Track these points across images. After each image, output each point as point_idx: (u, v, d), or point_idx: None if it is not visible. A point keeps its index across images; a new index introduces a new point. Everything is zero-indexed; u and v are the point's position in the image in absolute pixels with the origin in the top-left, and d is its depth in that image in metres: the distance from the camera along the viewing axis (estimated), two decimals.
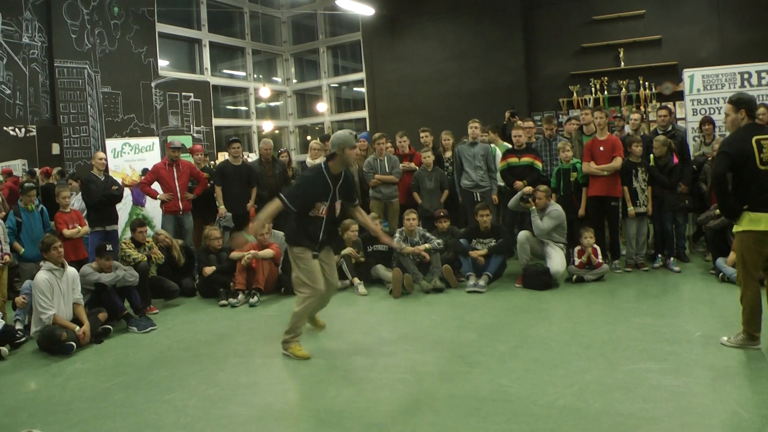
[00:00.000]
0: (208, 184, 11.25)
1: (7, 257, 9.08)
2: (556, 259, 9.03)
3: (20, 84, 13.19)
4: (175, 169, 10.89)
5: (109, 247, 8.64)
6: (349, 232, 10.11)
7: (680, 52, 14.38)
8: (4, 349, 7.48)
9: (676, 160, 9.61)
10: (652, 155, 9.60)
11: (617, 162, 9.41)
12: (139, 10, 15.34)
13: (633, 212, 9.40)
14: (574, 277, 9.10)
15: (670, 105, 12.57)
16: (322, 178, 6.55)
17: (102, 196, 10.27)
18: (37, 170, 12.30)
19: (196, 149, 12.38)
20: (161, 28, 16.10)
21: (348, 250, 9.88)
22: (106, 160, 10.86)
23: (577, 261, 9.16)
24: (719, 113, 11.30)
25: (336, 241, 7.29)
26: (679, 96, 13.70)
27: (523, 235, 9.42)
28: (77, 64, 14.03)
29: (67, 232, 9.45)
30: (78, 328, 7.58)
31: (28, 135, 13.00)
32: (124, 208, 12.77)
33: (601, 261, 9.17)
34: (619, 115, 14.00)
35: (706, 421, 4.48)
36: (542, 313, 7.81)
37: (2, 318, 7.80)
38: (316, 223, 6.61)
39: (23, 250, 9.32)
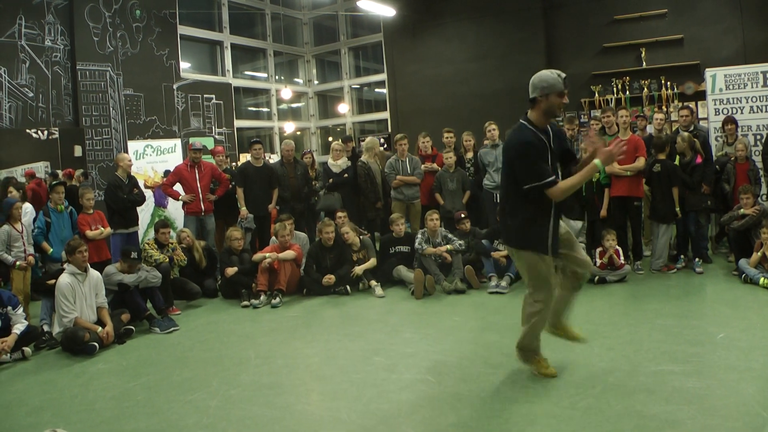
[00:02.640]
0: (230, 186, 11.30)
1: (30, 258, 9.18)
2: None
3: (43, 87, 13.28)
4: (197, 171, 10.99)
5: (134, 255, 8.73)
6: (396, 226, 10.19)
7: (702, 51, 14.26)
8: (28, 350, 7.59)
9: (699, 159, 9.54)
10: (678, 156, 9.56)
11: (640, 162, 9.35)
12: (161, 13, 15.40)
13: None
14: (596, 278, 9.06)
15: (692, 105, 12.51)
16: (534, 135, 5.17)
17: (126, 201, 10.37)
18: (60, 172, 12.39)
19: (217, 151, 12.45)
20: (183, 30, 16.15)
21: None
22: (132, 162, 10.96)
23: (598, 262, 9.12)
24: (742, 113, 11.24)
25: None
26: (701, 96, 13.59)
27: None
28: (99, 67, 14.12)
29: (90, 233, 9.53)
30: (101, 329, 7.66)
31: (50, 137, 13.10)
32: (146, 210, 12.90)
33: (623, 262, 9.13)
34: (641, 114, 13.93)
35: (729, 423, 4.45)
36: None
37: (26, 318, 7.86)
38: (546, 206, 5.22)
39: (51, 250, 9.40)
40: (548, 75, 5.20)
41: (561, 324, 5.88)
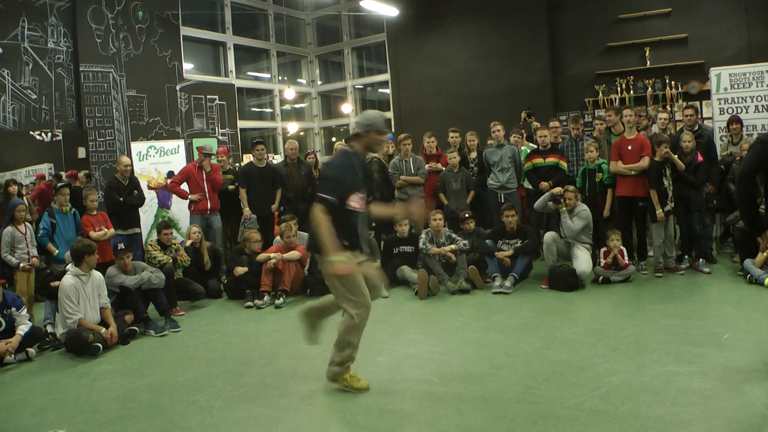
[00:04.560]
0: (234, 186, 11.33)
1: (34, 260, 9.20)
2: (583, 260, 8.98)
3: (46, 89, 13.30)
4: (204, 172, 11.03)
5: (121, 246, 8.81)
6: (401, 227, 10.18)
7: (707, 50, 14.22)
8: (32, 351, 7.60)
9: (700, 158, 9.48)
10: (676, 155, 9.50)
11: (645, 162, 9.31)
12: (164, 14, 15.41)
13: (662, 215, 9.17)
14: (601, 278, 9.06)
15: (696, 104, 12.49)
16: (352, 163, 5.56)
17: (123, 204, 10.40)
18: (63, 173, 12.41)
19: (220, 151, 12.46)
20: (186, 31, 16.16)
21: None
22: (130, 165, 10.98)
23: (603, 262, 9.11)
24: (747, 112, 11.20)
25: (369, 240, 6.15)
26: (705, 95, 13.59)
27: (549, 236, 9.37)
28: (102, 69, 14.13)
29: (93, 234, 9.53)
30: (104, 330, 7.68)
31: (54, 139, 13.12)
32: (149, 211, 12.93)
33: (627, 262, 9.10)
34: (644, 114, 13.91)
35: (734, 425, 4.43)
36: (568, 315, 7.77)
37: (30, 320, 7.88)
38: (350, 225, 5.55)
39: (57, 251, 9.41)
40: (372, 114, 5.69)
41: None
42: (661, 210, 9.14)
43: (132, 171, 11.31)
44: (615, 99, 15.04)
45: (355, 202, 5.51)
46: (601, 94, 15.29)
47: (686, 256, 9.61)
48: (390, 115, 18.82)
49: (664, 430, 4.40)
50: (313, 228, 5.43)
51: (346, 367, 5.68)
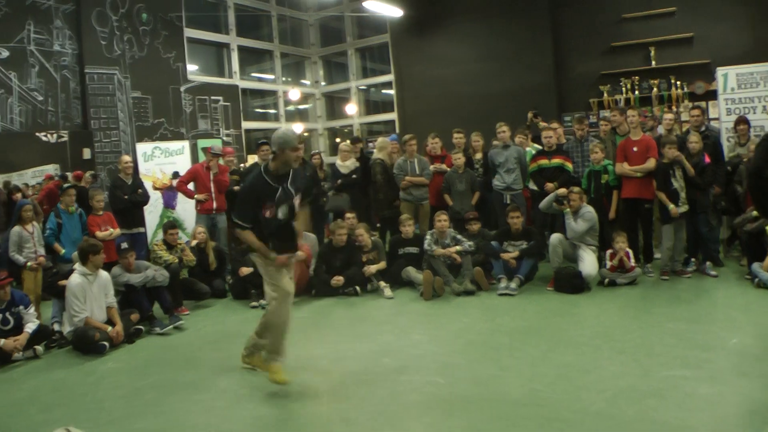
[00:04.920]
0: (236, 188, 11.35)
1: (41, 259, 9.22)
2: (588, 262, 8.94)
3: (52, 90, 13.33)
4: (211, 171, 11.06)
5: (124, 245, 8.88)
6: (406, 228, 10.18)
7: (712, 49, 14.14)
8: (40, 348, 7.71)
9: (707, 159, 9.42)
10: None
11: (651, 163, 9.26)
12: (167, 16, 15.43)
13: (676, 211, 9.02)
14: (606, 280, 9.02)
15: (702, 104, 12.43)
16: (260, 182, 6.08)
17: (127, 202, 10.43)
18: (69, 174, 12.44)
19: (227, 151, 12.44)
20: (189, 33, 16.17)
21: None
22: (132, 163, 11.04)
23: (609, 264, 9.08)
24: (754, 113, 11.16)
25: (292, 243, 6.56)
26: (711, 95, 13.54)
27: (555, 237, 9.34)
28: (107, 70, 14.16)
29: (99, 234, 9.54)
30: (110, 328, 7.75)
31: (59, 140, 13.15)
32: (154, 212, 12.94)
33: (633, 264, 9.06)
34: (650, 115, 13.86)
35: (741, 431, 4.41)
36: (574, 317, 7.76)
37: (37, 318, 7.93)
38: (276, 231, 6.15)
39: (63, 251, 9.42)
40: (284, 133, 6.16)
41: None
42: (674, 206, 9.00)
43: (136, 170, 11.33)
44: (620, 99, 14.99)
45: (268, 210, 6.05)
46: (605, 94, 15.24)
47: (693, 259, 9.53)
48: (394, 116, 18.83)
49: None
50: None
51: (276, 355, 6.20)
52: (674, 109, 14.01)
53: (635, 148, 9.42)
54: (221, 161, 11.72)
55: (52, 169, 12.78)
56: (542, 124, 11.38)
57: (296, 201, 6.30)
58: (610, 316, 7.61)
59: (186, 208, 12.08)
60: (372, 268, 9.84)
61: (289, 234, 6.29)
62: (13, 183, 12.14)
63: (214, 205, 11.11)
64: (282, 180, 6.12)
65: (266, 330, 6.23)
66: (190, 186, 11.22)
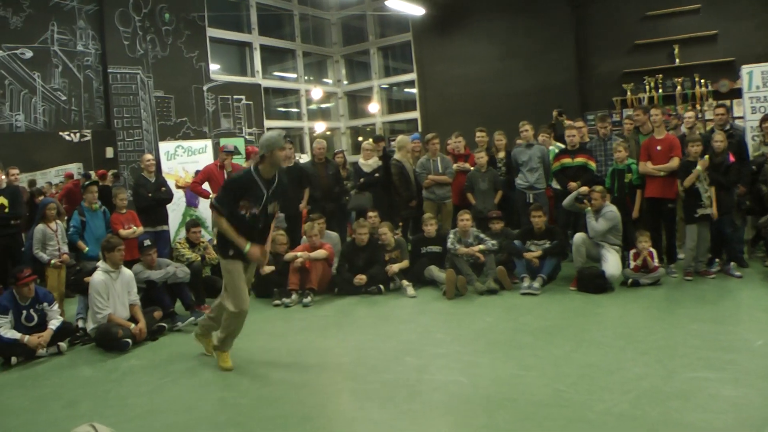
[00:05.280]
0: None
1: (65, 257, 9.31)
2: (612, 262, 8.90)
3: (75, 90, 13.43)
4: (225, 172, 11.13)
5: (147, 242, 8.95)
6: (429, 226, 10.17)
7: (737, 47, 14.00)
8: (63, 345, 7.77)
9: (732, 158, 9.34)
10: (707, 155, 9.32)
11: (674, 162, 9.21)
12: (190, 16, 15.49)
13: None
14: (630, 280, 8.97)
15: (727, 103, 12.33)
16: (250, 180, 6.36)
17: (151, 200, 10.50)
18: (93, 173, 12.54)
19: (252, 150, 12.48)
20: (212, 32, 16.22)
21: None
22: (154, 161, 11.17)
23: (632, 264, 9.03)
24: None
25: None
26: (736, 93, 13.41)
27: (578, 237, 9.30)
28: (130, 70, 14.24)
29: (123, 232, 9.62)
30: (133, 325, 7.83)
31: (83, 140, 13.24)
32: (177, 210, 13.01)
33: (657, 264, 9.00)
34: (674, 113, 13.76)
35: None
36: (597, 317, 7.74)
37: (61, 315, 8.03)
38: (244, 228, 6.37)
39: (87, 248, 9.51)
40: (270, 135, 6.47)
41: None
42: (710, 208, 8.93)
43: (159, 169, 11.39)
44: (643, 98, 14.87)
45: (244, 209, 6.31)
46: (629, 93, 15.13)
47: (716, 260, 9.44)
48: (416, 114, 18.82)
49: None
50: (218, 230, 6.59)
51: (223, 349, 6.73)
52: (698, 107, 13.89)
53: (659, 147, 9.37)
54: (238, 160, 11.79)
55: (74, 167, 12.86)
56: (567, 122, 11.33)
57: (273, 208, 6.59)
58: (633, 317, 7.57)
59: (208, 207, 12.12)
60: (395, 267, 9.86)
61: (257, 236, 6.51)
62: (36, 185, 12.24)
63: None
64: (268, 184, 6.40)
65: (220, 323, 6.70)
66: (205, 186, 11.29)
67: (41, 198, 11.10)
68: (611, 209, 9.17)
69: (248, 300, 6.56)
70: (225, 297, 6.56)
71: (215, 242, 7.37)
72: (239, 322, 6.62)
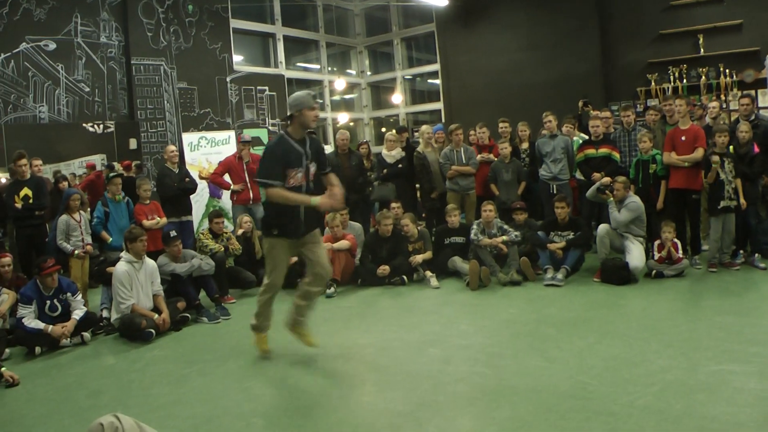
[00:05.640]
0: None
1: (88, 248, 9.39)
2: (636, 254, 8.86)
3: (98, 82, 13.51)
4: (244, 163, 11.21)
5: (173, 233, 8.98)
6: (452, 217, 10.21)
7: (762, 37, 13.85)
8: (87, 335, 7.88)
9: (756, 149, 9.27)
10: (731, 146, 9.26)
11: (699, 153, 9.13)
12: (213, 7, 15.54)
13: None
14: (653, 272, 8.92)
15: (752, 93, 12.22)
16: (285, 143, 6.17)
17: (176, 189, 10.56)
18: (116, 164, 12.63)
19: None
20: (235, 23, 16.26)
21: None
22: (177, 152, 11.26)
23: (656, 255, 8.98)
24: None
25: (317, 219, 6.84)
26: (761, 83, 13.31)
27: (602, 228, 9.27)
28: (153, 62, 14.31)
29: (146, 223, 9.68)
30: (157, 316, 7.90)
31: (106, 131, 13.32)
32: (200, 201, 13.10)
33: (681, 256, 8.95)
34: (698, 104, 13.65)
35: None
36: (621, 309, 7.69)
37: (84, 305, 8.11)
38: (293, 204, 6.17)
39: (111, 239, 9.58)
40: (299, 94, 6.22)
41: (298, 328, 6.71)
42: (733, 200, 8.90)
43: (182, 160, 11.45)
44: (668, 88, 14.76)
45: (292, 179, 6.12)
46: (653, 83, 15.04)
47: (741, 251, 9.38)
48: (440, 105, 18.78)
49: (721, 430, 4.31)
50: (271, 205, 6.32)
51: (259, 329, 6.79)
52: (722, 97, 13.76)
53: (683, 138, 9.30)
54: (260, 151, 11.83)
55: (98, 159, 12.95)
56: (594, 112, 11.28)
57: (312, 168, 6.35)
58: (657, 309, 7.52)
59: (228, 197, 12.19)
60: (418, 258, 9.87)
61: (312, 210, 6.36)
62: (61, 173, 12.35)
63: (251, 195, 11.24)
64: (303, 144, 6.22)
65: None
66: (225, 177, 11.42)
67: (65, 184, 11.17)
68: (634, 200, 9.14)
69: (282, 278, 6.60)
70: (265, 276, 6.65)
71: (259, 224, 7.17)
72: (269, 298, 6.64)
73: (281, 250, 6.42)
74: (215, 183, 11.75)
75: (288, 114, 6.23)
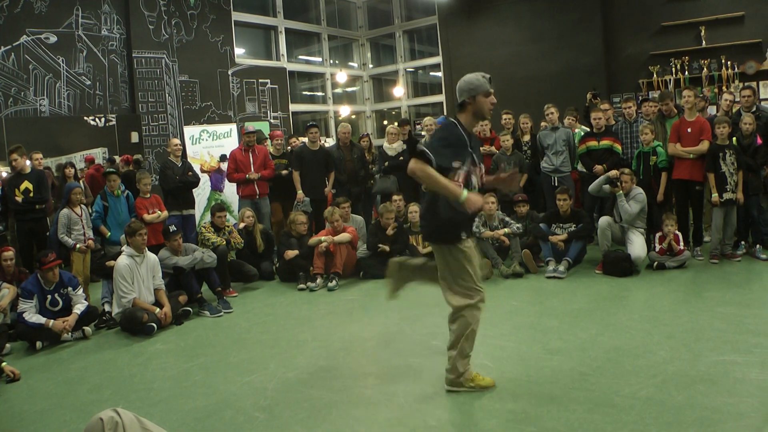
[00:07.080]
0: (288, 171, 11.38)
1: (90, 242, 9.38)
2: (637, 246, 8.86)
3: (100, 75, 13.50)
4: (251, 154, 11.23)
5: (172, 228, 8.94)
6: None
7: (764, 29, 13.79)
8: (89, 329, 7.89)
9: (759, 140, 9.25)
10: (735, 137, 9.26)
11: (704, 145, 9.11)
12: (215, 0, 15.53)
13: (717, 199, 8.93)
14: (655, 263, 8.92)
15: (753, 85, 12.18)
16: (458, 133, 5.00)
17: (179, 182, 10.54)
18: (117, 158, 12.63)
19: (276, 135, 12.49)
20: (237, 16, 16.25)
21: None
22: (180, 145, 11.19)
23: (658, 247, 8.97)
24: None
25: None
26: (763, 75, 13.28)
27: (604, 220, 9.26)
28: (155, 54, 14.29)
29: (147, 216, 9.69)
30: (158, 310, 7.89)
31: (108, 124, 13.31)
32: (202, 194, 13.09)
33: (683, 248, 8.94)
34: (701, 95, 13.61)
35: None
36: (623, 301, 7.70)
37: (86, 299, 8.12)
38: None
39: (110, 233, 9.58)
40: (473, 77, 5.16)
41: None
42: (716, 195, 8.94)
43: (185, 153, 11.43)
44: (670, 80, 14.74)
45: (461, 178, 4.90)
46: (655, 75, 15.00)
47: (743, 242, 9.39)
48: (442, 98, 18.74)
49: (722, 421, 4.31)
50: (438, 204, 4.98)
51: (466, 370, 5.22)
52: (724, 89, 13.69)
53: (689, 129, 9.28)
54: (270, 146, 11.82)
55: (99, 152, 12.95)
56: (604, 105, 11.26)
57: (479, 170, 5.17)
58: (659, 300, 7.52)
59: (234, 191, 12.17)
60: (424, 251, 9.84)
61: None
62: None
63: (257, 189, 11.22)
64: (471, 139, 5.11)
65: (464, 340, 5.21)
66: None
67: (71, 170, 11.16)
68: (639, 191, 9.17)
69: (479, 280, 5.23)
70: (451, 299, 5.26)
71: (425, 225, 5.50)
72: (477, 316, 5.23)
73: (472, 252, 5.17)
74: (233, 181, 11.63)
75: (459, 101, 5.18)
